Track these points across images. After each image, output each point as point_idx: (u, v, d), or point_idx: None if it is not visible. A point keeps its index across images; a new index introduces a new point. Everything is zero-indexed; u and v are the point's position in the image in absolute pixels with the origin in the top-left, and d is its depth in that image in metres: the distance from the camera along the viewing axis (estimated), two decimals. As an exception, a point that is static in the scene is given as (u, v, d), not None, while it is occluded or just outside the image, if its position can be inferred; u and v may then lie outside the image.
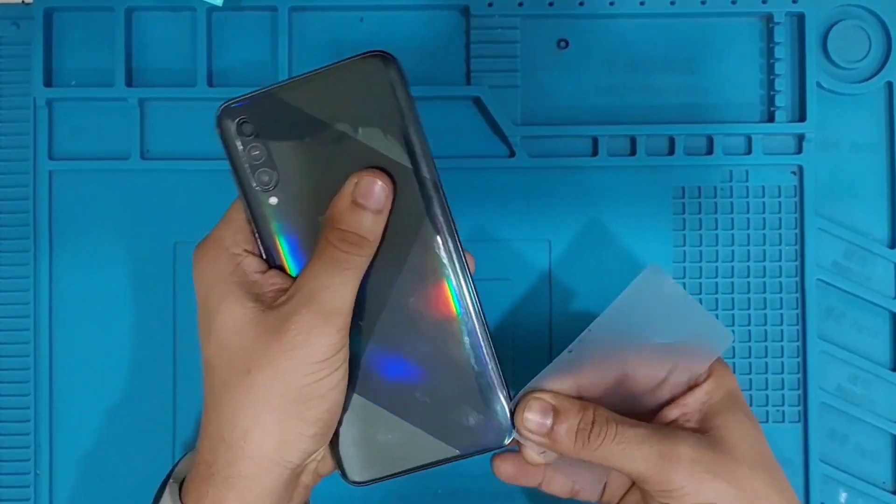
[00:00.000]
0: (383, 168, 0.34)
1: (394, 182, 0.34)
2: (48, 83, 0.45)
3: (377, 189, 0.34)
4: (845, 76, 0.46)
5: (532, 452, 0.36)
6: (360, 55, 0.34)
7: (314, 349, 0.33)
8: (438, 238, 0.34)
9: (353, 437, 0.35)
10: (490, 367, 0.35)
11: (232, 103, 0.34)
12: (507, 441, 0.35)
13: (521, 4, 0.46)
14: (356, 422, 0.35)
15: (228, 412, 0.33)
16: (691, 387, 0.37)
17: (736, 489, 0.34)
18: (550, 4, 0.46)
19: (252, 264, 0.35)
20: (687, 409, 0.36)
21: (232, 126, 0.34)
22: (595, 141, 0.46)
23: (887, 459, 0.46)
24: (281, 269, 0.35)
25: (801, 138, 0.46)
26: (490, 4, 0.45)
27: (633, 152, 0.46)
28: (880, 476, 0.46)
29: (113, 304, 0.45)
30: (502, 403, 0.35)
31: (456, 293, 0.35)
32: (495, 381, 0.35)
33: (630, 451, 0.35)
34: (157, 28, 0.46)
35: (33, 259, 0.45)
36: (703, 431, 0.35)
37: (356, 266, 0.34)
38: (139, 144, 0.45)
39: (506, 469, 0.38)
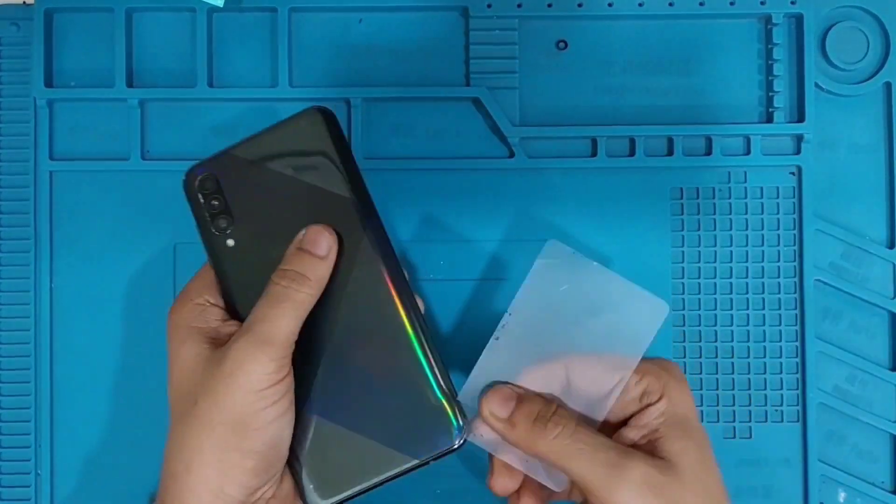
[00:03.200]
0: (330, 210, 0.37)
1: (340, 237, 0.37)
2: (48, 83, 0.45)
3: (322, 238, 0.37)
4: (844, 77, 0.46)
5: (483, 433, 0.37)
6: (300, 112, 0.38)
7: (250, 377, 0.34)
8: (376, 258, 0.37)
9: (312, 459, 0.37)
10: (432, 372, 0.37)
11: (194, 166, 0.38)
12: (457, 441, 0.36)
13: (519, 6, 0.46)
14: (313, 443, 0.37)
15: (177, 444, 0.35)
16: (645, 405, 0.36)
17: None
18: (549, 6, 0.46)
19: (213, 313, 0.37)
20: (643, 430, 0.36)
21: (195, 183, 0.38)
22: (594, 142, 0.46)
23: (886, 459, 0.46)
24: (236, 312, 0.37)
25: (799, 139, 0.46)
26: (489, 6, 0.46)
27: (631, 153, 0.46)
28: (879, 476, 0.46)
29: (113, 304, 0.45)
30: (448, 405, 0.37)
31: (394, 306, 0.37)
32: (440, 386, 0.37)
33: (584, 454, 0.35)
34: (157, 29, 0.46)
35: (34, 259, 0.45)
36: (655, 454, 0.35)
37: (293, 300, 0.35)
38: (139, 145, 0.45)
39: (501, 482, 0.38)
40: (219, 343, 0.36)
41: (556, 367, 0.37)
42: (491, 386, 0.37)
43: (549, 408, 0.36)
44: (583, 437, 0.35)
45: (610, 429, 0.37)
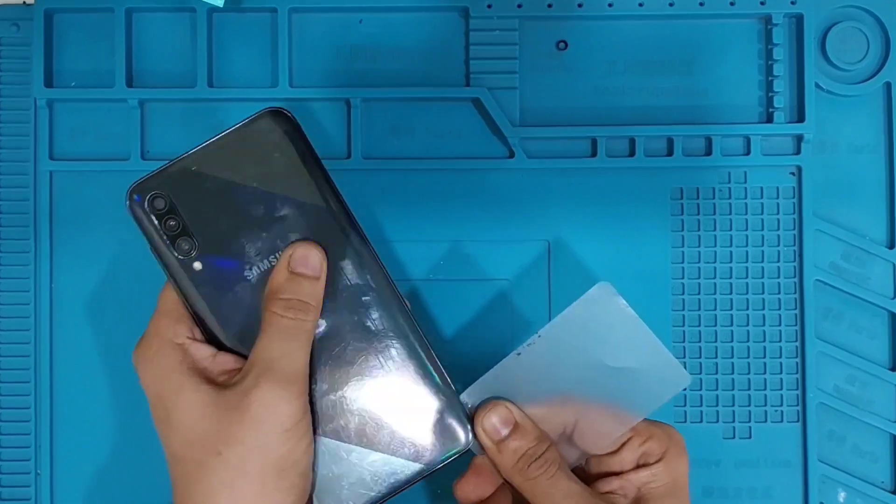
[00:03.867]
0: (304, 220, 0.35)
1: (326, 251, 0.35)
2: (48, 84, 0.45)
3: (312, 256, 0.35)
4: (844, 77, 0.46)
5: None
6: (252, 115, 0.36)
7: (280, 418, 0.33)
8: (361, 265, 0.36)
9: (323, 478, 0.36)
10: (437, 376, 0.36)
11: (139, 182, 0.35)
12: (468, 441, 0.36)
13: (520, 6, 0.46)
14: (322, 462, 0.36)
15: (203, 495, 0.33)
16: (639, 465, 0.37)
17: None
18: (549, 6, 0.46)
19: (199, 350, 0.35)
20: (627, 483, 0.36)
21: (143, 203, 0.35)
22: (594, 142, 0.46)
23: (886, 459, 0.46)
24: (220, 342, 0.35)
25: (799, 139, 0.46)
26: (489, 6, 0.46)
27: (631, 153, 0.46)
28: (879, 476, 0.46)
29: (113, 304, 0.45)
30: (456, 407, 0.36)
31: (387, 313, 0.36)
32: (445, 389, 0.36)
33: (562, 490, 0.35)
34: (157, 29, 0.46)
35: (34, 259, 0.45)
36: None
37: (305, 331, 0.35)
38: (139, 145, 0.45)
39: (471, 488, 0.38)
40: (216, 381, 0.34)
41: (564, 402, 0.37)
42: (493, 398, 0.37)
43: (539, 447, 0.36)
44: (559, 484, 0.35)
45: (594, 477, 0.37)
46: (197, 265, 0.35)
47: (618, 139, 0.46)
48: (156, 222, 0.35)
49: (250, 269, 0.35)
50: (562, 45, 0.47)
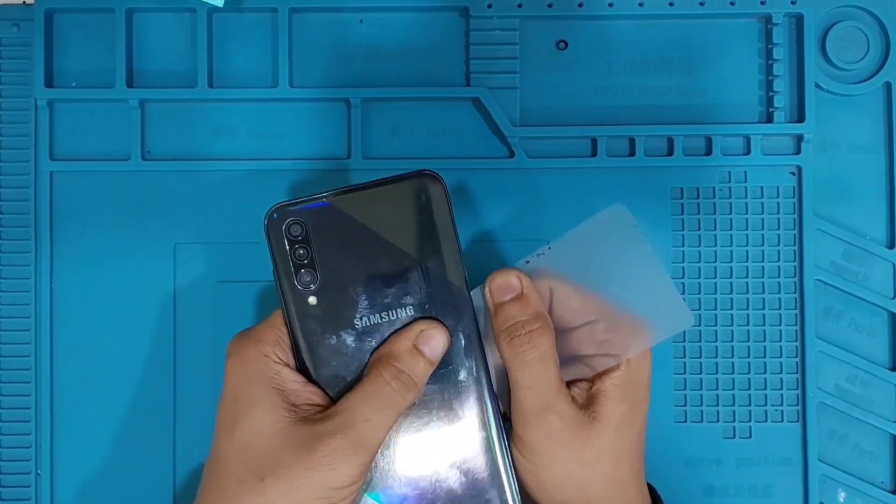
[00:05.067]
0: (429, 291, 0.36)
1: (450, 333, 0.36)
2: (49, 84, 0.45)
3: (439, 342, 0.35)
4: (844, 77, 0.46)
5: None
6: (409, 173, 0.36)
7: (337, 475, 0.33)
8: (467, 352, 0.36)
9: None
10: (500, 482, 0.36)
11: (285, 205, 0.36)
12: None
13: (520, 6, 0.46)
14: None
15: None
16: (604, 371, 0.37)
17: (579, 470, 0.36)
18: (549, 6, 0.46)
19: (289, 375, 0.35)
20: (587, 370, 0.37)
21: (282, 226, 0.35)
22: (594, 142, 0.46)
23: (886, 459, 0.46)
24: (309, 377, 0.36)
25: (799, 139, 0.46)
26: (489, 6, 0.46)
27: (631, 153, 0.46)
28: (879, 475, 0.46)
29: (113, 304, 0.45)
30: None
31: (476, 403, 0.36)
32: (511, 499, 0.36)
33: (532, 376, 0.35)
34: (157, 29, 0.46)
35: (34, 259, 0.45)
36: (587, 404, 0.36)
37: (399, 407, 0.35)
38: (140, 145, 0.45)
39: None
40: (296, 411, 0.34)
41: (591, 302, 0.37)
42: (512, 267, 0.37)
43: (531, 323, 0.36)
44: (545, 362, 0.35)
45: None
46: (312, 300, 0.36)
47: (618, 139, 0.46)
48: (287, 248, 0.36)
49: (360, 319, 0.36)
50: (562, 44, 0.47)
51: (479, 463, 0.36)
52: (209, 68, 0.45)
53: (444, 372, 0.36)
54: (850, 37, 0.46)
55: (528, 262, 0.37)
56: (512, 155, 0.46)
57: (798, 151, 0.46)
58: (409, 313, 0.36)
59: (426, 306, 0.36)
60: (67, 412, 0.45)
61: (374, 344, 0.36)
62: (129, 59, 0.46)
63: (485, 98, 0.45)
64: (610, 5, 0.46)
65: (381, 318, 0.36)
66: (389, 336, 0.36)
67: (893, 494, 0.45)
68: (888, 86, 0.46)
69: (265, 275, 0.45)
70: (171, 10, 0.46)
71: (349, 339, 0.36)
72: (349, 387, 0.35)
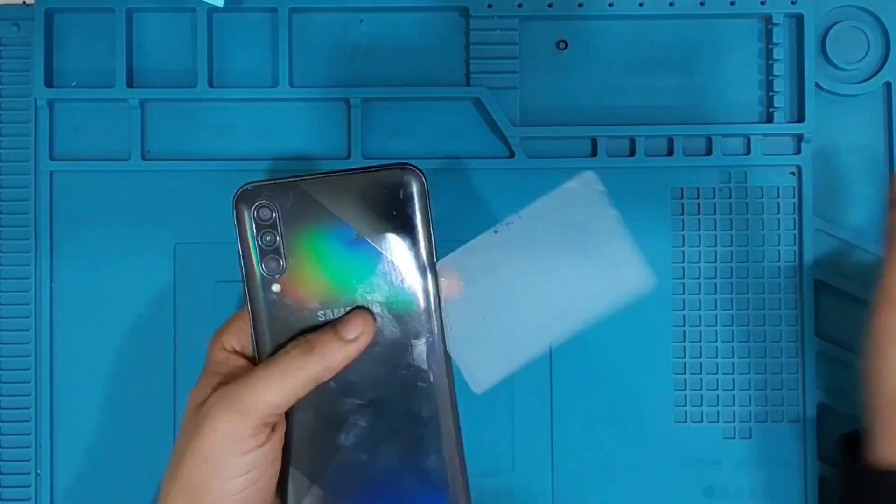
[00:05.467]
0: (393, 284, 0.34)
1: (393, 316, 0.35)
2: (49, 84, 0.45)
3: (357, 327, 0.34)
4: (844, 77, 0.46)
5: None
6: (389, 165, 0.34)
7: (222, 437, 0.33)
8: (428, 354, 0.35)
9: None
10: (446, 480, 0.35)
11: (254, 185, 0.34)
12: None
13: (520, 6, 0.46)
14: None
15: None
16: None
17: None
18: (550, 6, 0.46)
19: (238, 364, 0.35)
20: None
21: (250, 208, 0.34)
22: (594, 142, 0.46)
23: (886, 459, 0.46)
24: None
25: (799, 139, 0.46)
26: (489, 6, 0.46)
27: (632, 153, 0.46)
28: (879, 476, 0.46)
29: (113, 304, 0.45)
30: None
31: (433, 408, 0.35)
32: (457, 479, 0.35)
33: None
34: (157, 29, 0.46)
35: (34, 259, 0.45)
36: None
37: (300, 380, 0.33)
38: (140, 145, 0.45)
39: None
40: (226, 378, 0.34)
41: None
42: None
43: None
44: None
45: None
46: (276, 287, 0.34)
47: (618, 139, 0.46)
48: (255, 230, 0.34)
49: (324, 312, 0.34)
50: (562, 44, 0.47)
51: (429, 461, 0.35)
52: (209, 68, 0.45)
53: (405, 373, 0.35)
54: (850, 37, 0.46)
55: (496, 231, 0.37)
56: (512, 155, 0.46)
57: (798, 151, 0.46)
58: (374, 311, 0.35)
59: (392, 306, 0.35)
60: (67, 412, 0.45)
61: None
62: (129, 58, 0.46)
63: (485, 98, 0.45)
64: (610, 5, 0.46)
65: (344, 312, 0.34)
66: None
67: (893, 494, 0.45)
68: (888, 86, 0.46)
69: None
70: (171, 10, 0.46)
71: (310, 332, 0.34)
72: None
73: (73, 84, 0.46)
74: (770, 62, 0.46)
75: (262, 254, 0.34)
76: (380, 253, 0.34)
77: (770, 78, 0.46)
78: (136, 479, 0.45)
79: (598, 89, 0.46)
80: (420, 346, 0.35)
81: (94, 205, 0.45)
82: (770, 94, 0.46)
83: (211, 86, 0.45)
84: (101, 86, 0.46)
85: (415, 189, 0.34)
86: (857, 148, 0.46)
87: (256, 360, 0.35)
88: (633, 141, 0.46)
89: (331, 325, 0.34)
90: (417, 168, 0.35)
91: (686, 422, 0.46)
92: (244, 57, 0.46)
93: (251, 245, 0.34)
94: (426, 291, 0.35)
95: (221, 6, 0.45)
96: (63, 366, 0.45)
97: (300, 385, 0.33)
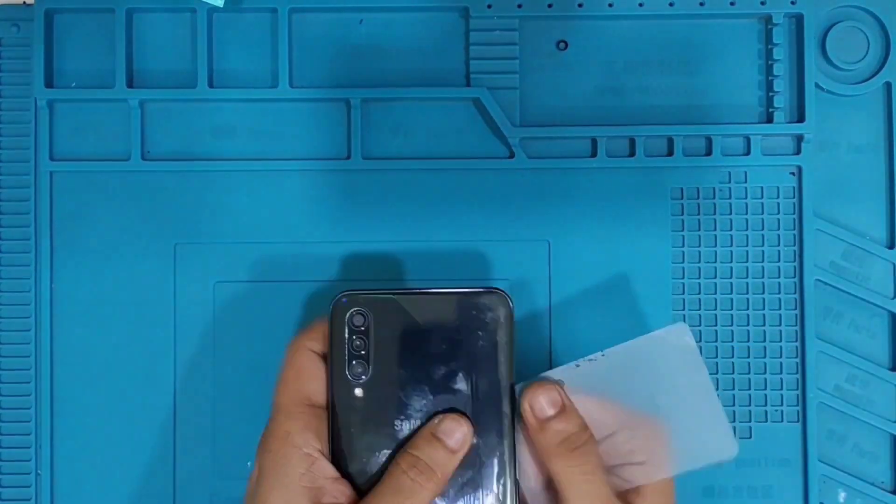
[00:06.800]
0: (476, 402, 0.36)
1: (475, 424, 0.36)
2: (49, 84, 0.45)
3: (459, 429, 0.35)
4: (844, 77, 0.46)
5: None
6: (481, 288, 0.37)
7: None
8: (498, 470, 0.36)
9: None
10: None
11: (354, 292, 0.37)
12: None
13: (520, 6, 0.46)
14: None
15: None
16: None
17: None
18: (549, 6, 0.46)
19: (324, 469, 0.35)
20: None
21: (346, 313, 0.36)
22: (594, 142, 0.46)
23: (886, 459, 0.46)
24: (344, 470, 0.36)
25: (799, 139, 0.46)
26: (489, 6, 0.46)
27: (631, 153, 0.46)
28: (879, 476, 0.46)
29: (113, 304, 0.45)
30: None
31: None
32: None
33: (592, 487, 0.35)
34: (157, 29, 0.46)
35: (34, 260, 0.45)
36: None
37: (417, 497, 0.34)
38: (140, 145, 0.45)
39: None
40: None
41: (610, 412, 0.37)
42: (543, 379, 0.37)
43: (582, 435, 0.36)
44: (593, 482, 0.35)
45: None
46: (358, 392, 0.36)
47: (618, 139, 0.46)
48: (346, 335, 0.36)
49: (402, 422, 0.36)
50: (562, 44, 0.47)
51: None
52: (209, 68, 0.45)
53: (471, 494, 0.36)
54: (850, 37, 0.46)
55: (577, 365, 0.37)
56: (512, 155, 0.46)
57: (798, 151, 0.46)
58: None
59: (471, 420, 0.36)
60: (67, 412, 0.45)
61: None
62: (129, 59, 0.46)
63: (485, 98, 0.45)
64: (610, 5, 0.46)
65: (421, 423, 0.36)
66: None
67: (893, 494, 0.45)
68: (888, 86, 0.46)
69: (265, 275, 0.45)
70: (171, 10, 0.46)
71: (386, 440, 0.36)
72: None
73: (73, 84, 0.46)
74: (770, 62, 0.46)
75: (351, 357, 0.36)
76: (461, 371, 0.36)
77: (770, 78, 0.46)
78: (137, 479, 0.45)
79: (598, 89, 0.46)
80: (490, 468, 0.36)
81: (94, 205, 0.45)
82: (770, 94, 0.46)
83: (211, 86, 0.45)
84: (101, 86, 0.46)
85: (502, 314, 0.36)
86: (856, 148, 0.46)
87: (335, 462, 0.36)
88: (633, 141, 0.46)
89: (424, 433, 0.35)
90: (506, 293, 0.37)
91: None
92: (244, 57, 0.46)
93: (342, 348, 0.36)
94: (502, 414, 0.36)
95: (221, 6, 0.45)
96: (63, 366, 0.45)
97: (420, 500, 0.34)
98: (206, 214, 0.45)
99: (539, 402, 0.36)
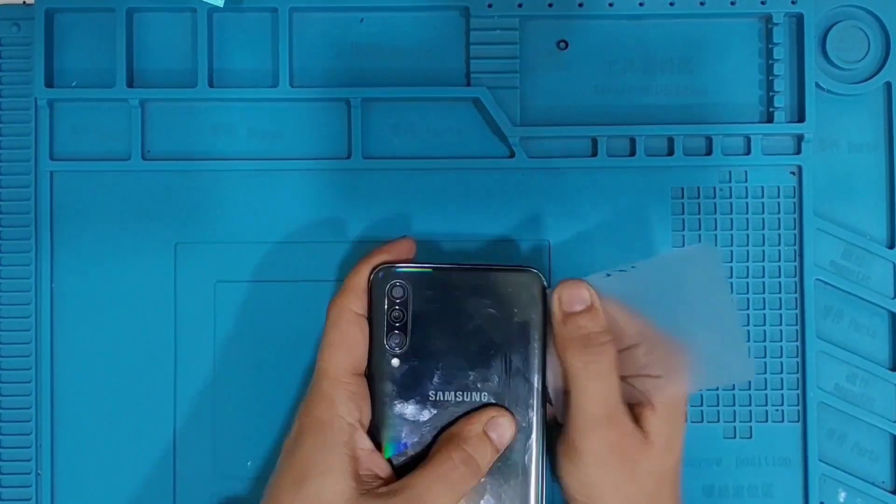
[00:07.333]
0: (508, 382, 0.37)
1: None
2: (49, 84, 0.45)
3: (508, 431, 0.37)
4: (844, 77, 0.46)
5: None
6: (515, 266, 0.38)
7: None
8: (524, 451, 0.37)
9: None
10: None
11: (393, 267, 0.38)
12: None
13: (520, 5, 0.46)
14: None
15: None
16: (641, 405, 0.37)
17: (627, 484, 0.36)
18: (550, 5, 0.46)
19: (364, 441, 0.36)
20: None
21: (385, 285, 0.37)
22: (594, 141, 0.46)
23: (886, 459, 0.46)
24: (377, 440, 0.37)
25: (799, 139, 0.46)
26: (489, 5, 0.46)
27: (632, 153, 0.46)
28: (879, 475, 0.46)
29: (114, 304, 0.45)
30: None
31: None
32: None
33: (601, 385, 0.36)
34: (158, 29, 0.46)
35: (34, 259, 0.45)
36: (638, 422, 0.37)
37: (462, 492, 0.35)
38: (140, 145, 0.45)
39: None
40: (362, 482, 0.35)
41: (634, 325, 0.37)
42: (581, 278, 0.37)
43: (603, 336, 0.36)
44: (604, 381, 0.36)
45: None
46: (395, 362, 0.37)
47: (618, 139, 0.46)
48: (385, 307, 0.37)
49: (435, 393, 0.37)
50: (562, 44, 0.47)
51: None
52: (209, 68, 0.45)
53: (500, 465, 0.37)
54: (850, 37, 0.46)
55: (608, 275, 0.38)
56: (512, 155, 0.46)
57: (798, 151, 0.46)
58: (481, 398, 0.37)
59: (500, 397, 0.37)
60: (67, 412, 0.45)
61: (441, 420, 0.37)
62: (129, 58, 0.46)
63: (485, 98, 0.45)
64: (610, 5, 0.46)
65: (455, 396, 0.37)
66: (458, 417, 0.37)
67: (893, 494, 0.45)
68: (888, 86, 0.46)
69: (265, 275, 0.45)
70: (171, 9, 0.46)
71: (420, 410, 0.37)
72: (411, 458, 0.37)
73: (74, 84, 0.46)
74: (770, 62, 0.46)
75: (390, 328, 0.37)
76: (496, 344, 0.37)
77: (770, 78, 0.46)
78: (137, 480, 0.45)
79: (599, 89, 0.46)
80: (520, 440, 0.37)
81: (94, 205, 0.45)
82: (770, 93, 0.46)
83: (211, 86, 0.45)
84: (101, 86, 0.46)
85: (536, 291, 0.38)
86: (856, 148, 0.46)
87: (370, 433, 0.37)
88: (633, 141, 0.46)
89: (477, 428, 0.36)
90: (539, 271, 0.38)
91: (686, 421, 0.45)
92: (244, 57, 0.46)
93: (381, 319, 0.37)
94: (533, 387, 0.37)
95: (221, 6, 0.45)
96: (63, 366, 0.45)
97: (461, 497, 0.36)
98: (206, 214, 0.45)
99: (569, 297, 0.37)
